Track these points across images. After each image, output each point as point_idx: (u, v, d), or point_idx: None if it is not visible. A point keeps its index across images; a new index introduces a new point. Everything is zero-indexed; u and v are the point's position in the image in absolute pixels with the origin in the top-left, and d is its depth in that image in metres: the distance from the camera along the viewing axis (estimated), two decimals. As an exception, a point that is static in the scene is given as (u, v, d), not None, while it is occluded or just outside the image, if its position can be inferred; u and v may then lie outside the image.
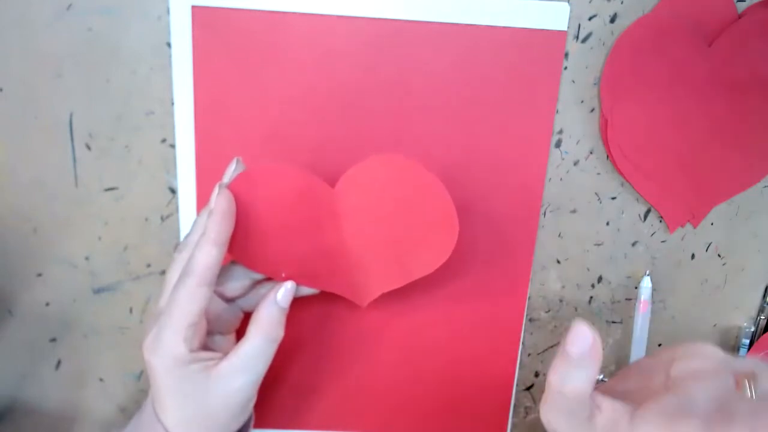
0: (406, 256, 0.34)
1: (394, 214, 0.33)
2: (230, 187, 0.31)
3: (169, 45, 0.35)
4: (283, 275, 0.33)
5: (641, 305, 0.40)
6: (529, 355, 0.41)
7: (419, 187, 0.32)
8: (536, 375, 0.42)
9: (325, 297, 0.39)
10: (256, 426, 0.40)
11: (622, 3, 0.36)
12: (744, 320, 0.42)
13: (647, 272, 0.40)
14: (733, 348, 0.42)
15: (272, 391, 0.40)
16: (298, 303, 0.39)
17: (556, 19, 0.35)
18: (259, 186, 0.31)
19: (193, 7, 0.34)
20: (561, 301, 0.41)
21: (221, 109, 0.35)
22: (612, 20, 0.36)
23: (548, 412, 0.27)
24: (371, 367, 0.40)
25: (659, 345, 0.42)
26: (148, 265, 0.38)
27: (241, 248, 0.32)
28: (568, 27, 0.35)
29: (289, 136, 0.36)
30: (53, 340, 0.39)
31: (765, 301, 0.42)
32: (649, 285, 0.39)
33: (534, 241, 0.39)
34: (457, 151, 0.37)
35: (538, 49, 0.35)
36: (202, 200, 0.37)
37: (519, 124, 0.37)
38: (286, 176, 0.32)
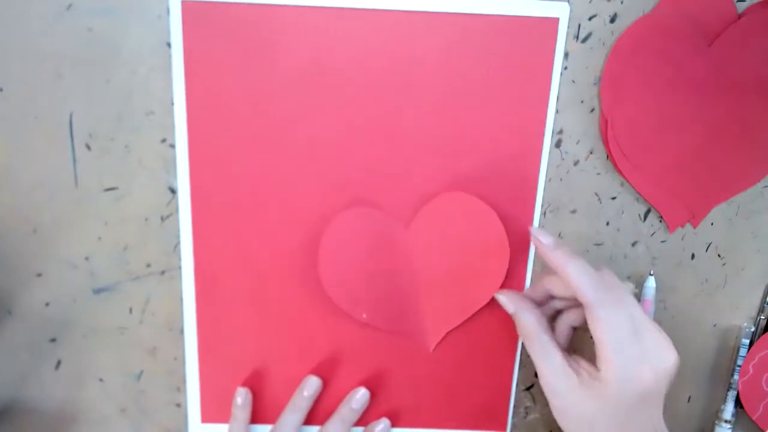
0: (464, 292, 0.38)
1: (457, 250, 0.37)
2: (333, 227, 0.37)
3: (169, 45, 0.35)
4: (364, 316, 0.38)
5: (644, 305, 0.40)
6: (529, 355, 0.41)
7: (477, 222, 0.37)
8: (536, 375, 0.42)
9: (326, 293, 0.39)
10: (258, 422, 0.40)
11: (622, 3, 0.36)
12: (744, 320, 0.42)
13: (651, 272, 0.40)
14: (733, 348, 0.42)
15: (273, 387, 0.40)
16: (297, 296, 0.39)
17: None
18: (351, 228, 0.37)
19: (183, 3, 0.33)
20: (561, 301, 0.41)
21: (214, 105, 0.35)
22: (612, 20, 0.36)
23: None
24: (372, 365, 0.40)
25: (659, 345, 0.42)
26: (148, 265, 0.38)
27: (334, 285, 0.37)
28: (568, 27, 0.35)
29: (284, 131, 0.36)
30: (53, 340, 0.39)
31: (765, 301, 0.42)
32: (653, 285, 0.39)
33: (531, 222, 0.38)
34: (449, 141, 0.37)
35: (530, 37, 0.35)
36: (198, 200, 0.37)
37: (512, 113, 0.36)
38: (370, 219, 0.37)
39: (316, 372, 0.40)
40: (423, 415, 0.41)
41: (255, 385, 0.40)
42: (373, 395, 0.40)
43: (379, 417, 0.41)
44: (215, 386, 0.40)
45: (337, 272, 0.37)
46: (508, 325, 0.40)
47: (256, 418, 0.40)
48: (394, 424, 0.41)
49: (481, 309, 0.38)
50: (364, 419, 0.40)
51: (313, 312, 0.39)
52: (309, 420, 0.40)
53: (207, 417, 0.40)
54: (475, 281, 0.38)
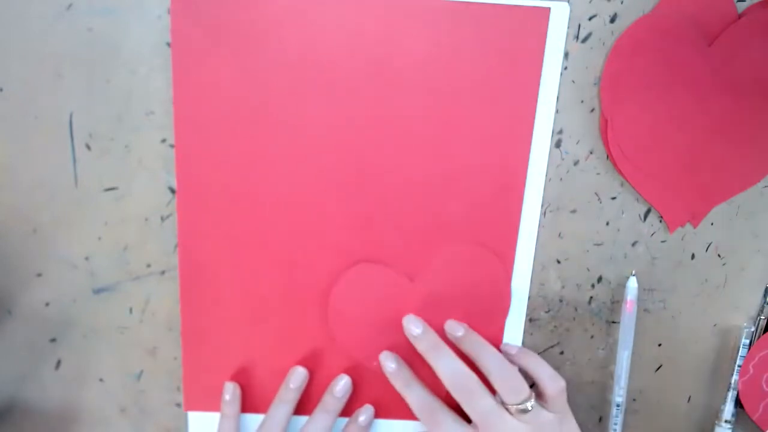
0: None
1: (459, 300, 0.39)
2: (341, 284, 0.38)
3: (169, 45, 0.35)
4: (375, 364, 0.39)
5: (627, 305, 0.40)
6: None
7: (479, 271, 0.39)
8: (536, 375, 0.42)
9: (322, 284, 0.39)
10: (251, 411, 0.40)
11: (622, 3, 0.36)
12: (744, 320, 0.42)
13: (633, 272, 0.40)
14: (733, 348, 0.42)
15: (268, 378, 0.40)
16: (296, 289, 0.39)
17: (556, 19, 0.35)
18: (359, 284, 0.38)
19: None
20: (561, 301, 0.41)
21: (203, 96, 0.35)
22: (612, 20, 0.36)
23: None
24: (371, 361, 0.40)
25: (659, 345, 0.42)
26: (148, 265, 0.38)
27: (345, 335, 0.39)
28: (568, 27, 0.35)
29: (276, 122, 0.36)
30: (53, 340, 0.39)
31: (765, 301, 0.42)
32: (636, 285, 0.39)
33: (519, 215, 0.38)
34: (439, 127, 0.36)
35: (521, 27, 0.35)
36: (195, 199, 0.37)
37: (501, 101, 0.36)
38: (378, 274, 0.38)
39: (315, 363, 0.40)
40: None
41: (246, 374, 0.40)
42: (361, 386, 0.40)
43: (377, 414, 0.41)
44: (201, 375, 0.40)
45: (347, 326, 0.39)
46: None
47: (248, 407, 0.40)
48: (381, 416, 0.41)
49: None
50: (351, 410, 0.40)
51: (313, 301, 0.39)
52: (300, 410, 0.40)
53: (189, 405, 0.40)
54: (477, 326, 0.39)
